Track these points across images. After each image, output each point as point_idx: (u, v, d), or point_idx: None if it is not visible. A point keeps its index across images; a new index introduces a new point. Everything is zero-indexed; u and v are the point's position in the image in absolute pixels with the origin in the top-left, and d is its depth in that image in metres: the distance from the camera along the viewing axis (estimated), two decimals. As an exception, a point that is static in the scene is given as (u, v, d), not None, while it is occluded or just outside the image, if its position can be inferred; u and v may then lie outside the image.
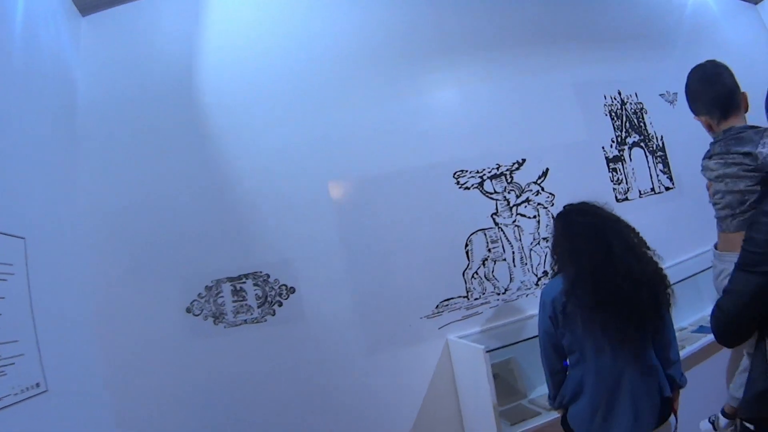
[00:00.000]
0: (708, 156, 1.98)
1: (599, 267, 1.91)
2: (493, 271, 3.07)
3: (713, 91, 1.90)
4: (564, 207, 2.18)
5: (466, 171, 3.09)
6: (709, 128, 1.96)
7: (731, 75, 1.91)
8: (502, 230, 3.11)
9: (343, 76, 3.02)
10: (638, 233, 2.05)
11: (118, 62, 2.78)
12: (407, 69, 3.15)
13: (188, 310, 2.59)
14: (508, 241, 3.12)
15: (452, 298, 2.97)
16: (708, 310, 3.40)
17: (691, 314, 3.58)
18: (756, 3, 5.26)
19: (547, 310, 2.05)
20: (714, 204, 1.95)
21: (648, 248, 2.02)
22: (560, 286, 2.00)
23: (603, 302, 1.87)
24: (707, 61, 1.98)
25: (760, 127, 1.76)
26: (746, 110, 1.89)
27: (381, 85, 3.08)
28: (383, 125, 3.02)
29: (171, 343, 2.56)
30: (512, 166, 3.20)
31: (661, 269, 2.00)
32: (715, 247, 2.02)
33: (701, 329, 3.35)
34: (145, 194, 2.66)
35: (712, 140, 1.99)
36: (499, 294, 3.06)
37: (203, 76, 2.84)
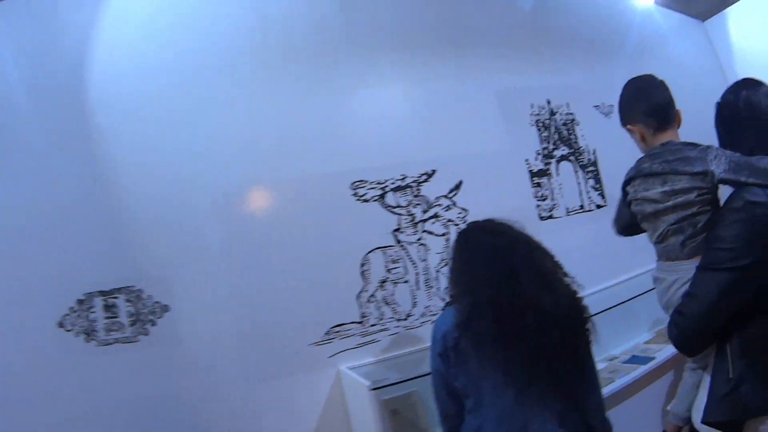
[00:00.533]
0: (640, 174, 1.81)
1: (501, 297, 1.60)
2: (393, 295, 2.73)
3: (651, 100, 1.84)
4: (467, 224, 1.90)
5: (366, 181, 2.75)
6: (642, 139, 1.86)
7: (668, 89, 1.87)
8: (404, 249, 2.78)
9: (240, 75, 2.70)
10: (554, 257, 1.75)
11: (17, 51, 2.47)
12: (308, 68, 2.83)
13: (60, 325, 2.28)
14: (412, 261, 2.78)
15: (345, 324, 2.63)
16: (643, 337, 3.41)
17: (623, 343, 3.35)
18: (703, 20, 5.18)
19: (437, 347, 1.74)
20: (658, 240, 1.80)
21: (565, 275, 1.73)
22: (453, 318, 1.69)
23: (504, 339, 1.58)
24: (645, 75, 1.93)
25: (697, 144, 1.70)
26: (678, 126, 1.85)
27: (278, 85, 2.75)
28: (277, 130, 2.69)
29: (43, 360, 2.25)
30: (420, 177, 2.87)
31: (580, 300, 1.71)
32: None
33: (634, 359, 3.10)
34: (23, 195, 2.35)
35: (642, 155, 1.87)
36: (399, 320, 2.73)
37: (95, 71, 2.53)
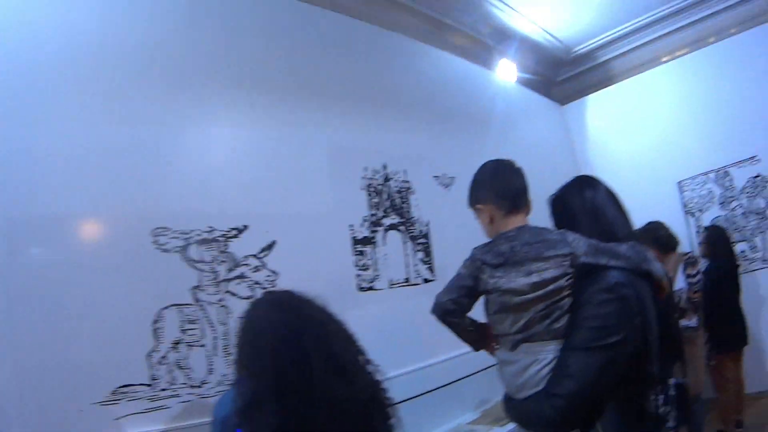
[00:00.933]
0: (500, 259, 1.72)
1: (286, 387, 1.43)
2: (187, 358, 2.50)
3: (509, 182, 1.86)
4: (259, 296, 1.80)
5: (169, 229, 2.53)
6: (490, 221, 1.84)
7: (525, 177, 1.91)
8: (203, 309, 2.58)
9: (45, 90, 2.38)
10: (355, 341, 1.61)
11: None
12: (126, 93, 2.55)
13: None
14: (210, 323, 2.58)
15: (133, 385, 2.37)
16: (467, 417, 3.35)
17: (445, 422, 3.28)
18: (562, 104, 5.48)
19: None
20: (521, 329, 1.71)
21: (367, 362, 1.59)
22: (234, 402, 1.49)
23: None
24: (505, 159, 1.96)
25: (550, 229, 1.79)
26: (527, 214, 1.88)
27: (87, 106, 2.45)
28: (79, 157, 2.40)
29: None
30: (229, 231, 2.69)
31: (381, 392, 1.58)
32: None
33: (458, 442, 3.07)
34: None
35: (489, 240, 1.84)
36: (193, 387, 2.50)
37: None
